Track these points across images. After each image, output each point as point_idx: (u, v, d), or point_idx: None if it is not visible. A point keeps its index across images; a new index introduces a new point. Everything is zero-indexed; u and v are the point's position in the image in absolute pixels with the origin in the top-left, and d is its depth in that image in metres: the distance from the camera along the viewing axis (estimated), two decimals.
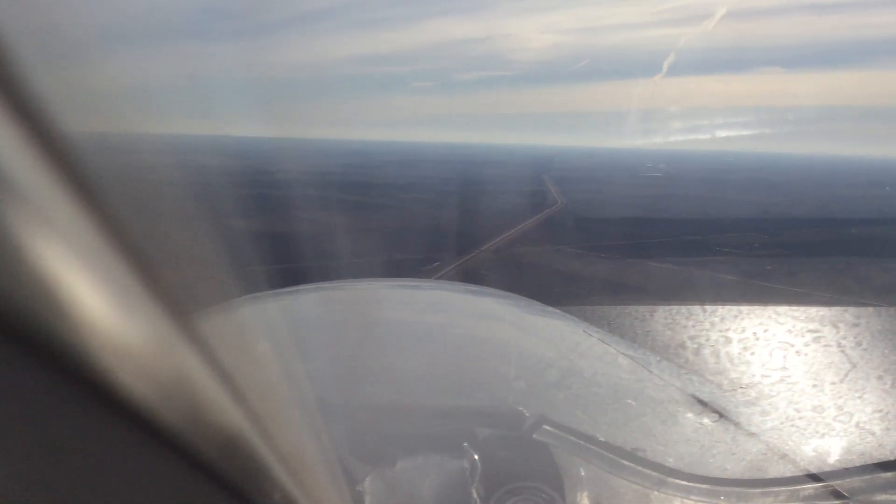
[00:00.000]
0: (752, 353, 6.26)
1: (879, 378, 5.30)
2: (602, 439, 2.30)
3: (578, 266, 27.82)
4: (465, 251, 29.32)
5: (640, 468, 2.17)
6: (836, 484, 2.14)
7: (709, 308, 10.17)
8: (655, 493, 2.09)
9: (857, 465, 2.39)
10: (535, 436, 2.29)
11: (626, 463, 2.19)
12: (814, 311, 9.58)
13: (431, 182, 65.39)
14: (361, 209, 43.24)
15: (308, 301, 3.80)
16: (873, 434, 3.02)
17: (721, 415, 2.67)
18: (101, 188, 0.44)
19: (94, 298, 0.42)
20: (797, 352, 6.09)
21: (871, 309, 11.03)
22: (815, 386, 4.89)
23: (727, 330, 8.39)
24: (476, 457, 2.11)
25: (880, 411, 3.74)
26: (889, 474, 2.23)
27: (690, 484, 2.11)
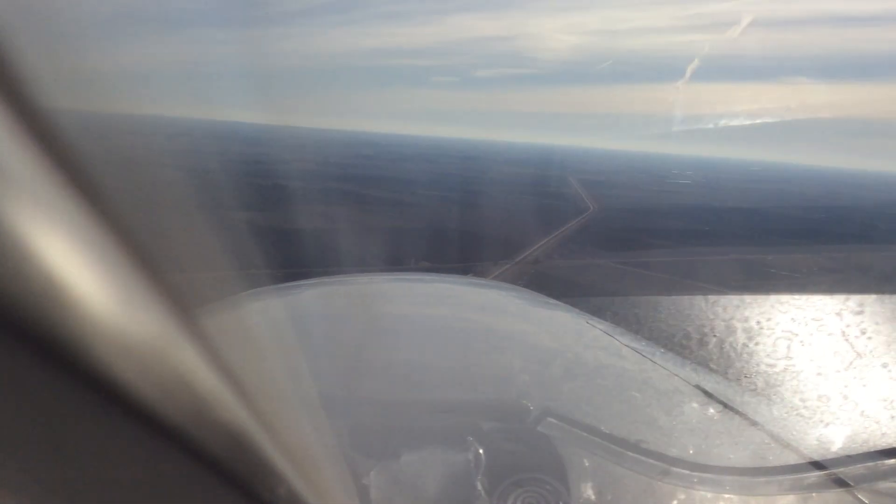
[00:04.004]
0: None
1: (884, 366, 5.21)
2: (606, 431, 2.29)
3: (630, 288, 25.09)
4: (498, 262, 26.92)
5: (644, 459, 2.15)
6: (840, 472, 2.10)
7: None
8: (660, 483, 2.06)
9: (861, 452, 2.30)
10: (539, 428, 2.28)
11: (630, 454, 2.16)
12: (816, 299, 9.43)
13: (453, 180, 63.18)
14: (381, 206, 41.12)
15: (311, 296, 3.78)
16: (878, 422, 2.90)
17: (726, 405, 2.62)
18: (104, 182, 0.43)
19: (98, 295, 0.41)
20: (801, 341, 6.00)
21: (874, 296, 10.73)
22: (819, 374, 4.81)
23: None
24: (480, 450, 2.08)
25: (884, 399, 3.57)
26: (893, 461, 2.17)
27: (695, 474, 2.09)
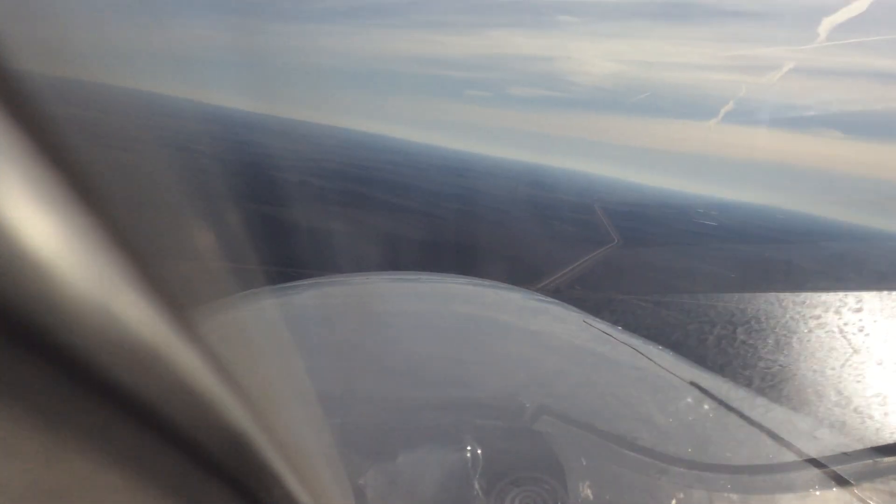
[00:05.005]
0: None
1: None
2: (603, 429, 2.28)
3: (659, 330, 23.91)
4: (518, 284, 25.76)
5: (640, 457, 2.12)
6: (839, 469, 2.08)
7: None
8: (656, 481, 2.04)
9: (859, 449, 2.28)
10: (535, 426, 2.26)
11: (626, 452, 2.14)
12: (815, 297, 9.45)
13: (479, 196, 62.33)
14: (403, 215, 40.27)
15: (308, 295, 3.74)
16: (873, 419, 2.91)
17: (721, 402, 2.61)
18: (100, 179, 0.42)
19: (93, 295, 0.41)
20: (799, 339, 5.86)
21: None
22: (815, 371, 4.73)
23: None
24: (477, 448, 2.06)
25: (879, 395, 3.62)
26: (892, 459, 2.15)
27: (691, 472, 2.06)
